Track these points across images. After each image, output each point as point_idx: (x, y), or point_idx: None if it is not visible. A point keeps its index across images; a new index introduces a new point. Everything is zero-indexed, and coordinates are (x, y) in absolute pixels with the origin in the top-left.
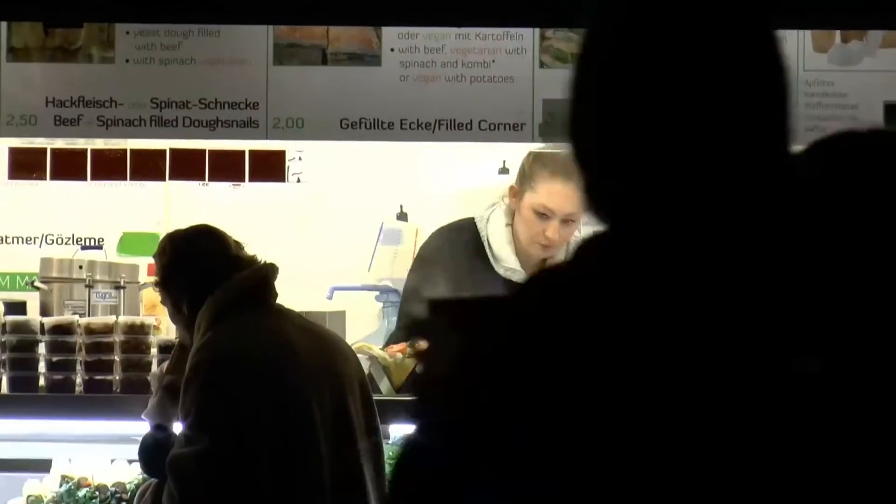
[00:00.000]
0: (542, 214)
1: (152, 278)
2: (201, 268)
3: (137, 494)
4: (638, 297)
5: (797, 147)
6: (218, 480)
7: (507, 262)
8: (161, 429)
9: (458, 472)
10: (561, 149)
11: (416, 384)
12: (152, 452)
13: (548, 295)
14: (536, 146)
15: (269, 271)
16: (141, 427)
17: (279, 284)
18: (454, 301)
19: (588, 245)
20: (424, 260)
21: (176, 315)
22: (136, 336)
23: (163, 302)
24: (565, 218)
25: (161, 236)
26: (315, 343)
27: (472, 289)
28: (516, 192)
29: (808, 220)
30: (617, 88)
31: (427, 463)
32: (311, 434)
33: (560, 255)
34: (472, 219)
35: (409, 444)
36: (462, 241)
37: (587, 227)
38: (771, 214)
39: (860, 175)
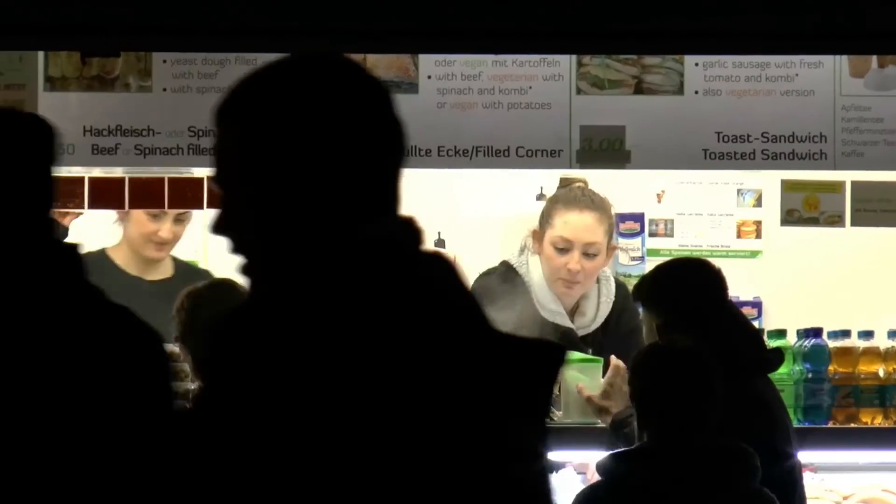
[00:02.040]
0: (562, 249)
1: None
2: None
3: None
4: None
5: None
6: None
7: (550, 305)
8: None
9: None
10: (580, 181)
11: None
12: None
13: None
14: (574, 172)
15: None
16: None
17: None
18: None
19: None
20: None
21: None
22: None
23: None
24: (585, 249)
25: (197, 265)
26: None
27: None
28: (538, 235)
29: None
30: None
31: None
32: None
33: (588, 291)
34: (507, 262)
35: None
36: (507, 286)
37: (617, 259)
38: None
39: None
